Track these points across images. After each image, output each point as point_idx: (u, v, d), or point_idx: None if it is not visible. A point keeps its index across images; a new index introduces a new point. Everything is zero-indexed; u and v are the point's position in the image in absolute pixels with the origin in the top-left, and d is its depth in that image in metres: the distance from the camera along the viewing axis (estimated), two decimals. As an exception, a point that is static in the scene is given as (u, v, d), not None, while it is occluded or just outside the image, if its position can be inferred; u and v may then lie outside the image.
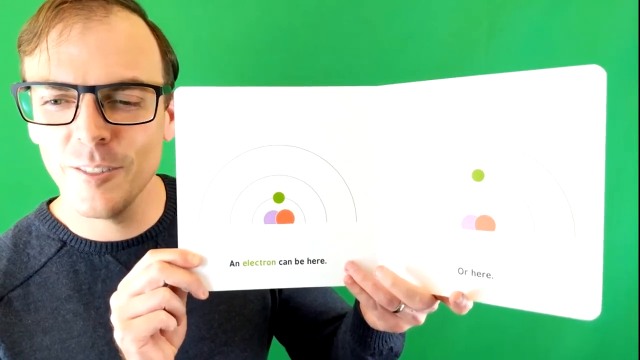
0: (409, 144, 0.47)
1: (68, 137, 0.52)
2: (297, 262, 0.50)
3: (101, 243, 0.60)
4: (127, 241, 0.61)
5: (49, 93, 0.52)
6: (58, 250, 0.60)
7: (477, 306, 0.91)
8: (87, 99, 0.50)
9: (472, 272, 0.47)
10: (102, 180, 0.53)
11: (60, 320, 0.58)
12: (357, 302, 0.57)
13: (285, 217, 0.50)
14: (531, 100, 0.43)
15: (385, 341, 0.58)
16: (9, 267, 0.59)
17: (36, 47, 0.51)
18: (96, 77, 0.51)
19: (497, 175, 0.44)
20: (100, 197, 0.53)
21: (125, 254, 0.61)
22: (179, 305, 0.47)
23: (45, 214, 0.62)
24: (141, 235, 0.62)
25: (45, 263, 0.60)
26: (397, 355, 0.62)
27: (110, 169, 0.53)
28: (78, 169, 0.53)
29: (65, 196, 0.56)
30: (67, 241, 0.60)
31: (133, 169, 0.55)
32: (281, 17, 1.03)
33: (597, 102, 0.42)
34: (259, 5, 1.02)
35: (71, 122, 0.51)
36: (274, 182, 0.49)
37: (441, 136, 0.45)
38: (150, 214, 0.63)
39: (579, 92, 0.42)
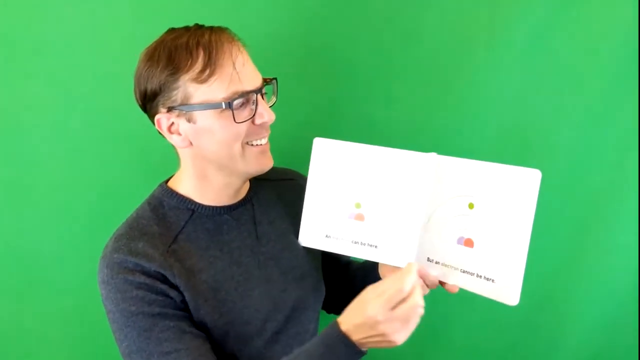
0: (438, 196, 0.79)
1: (248, 125, 0.77)
2: (361, 243, 0.83)
3: (219, 207, 0.84)
4: (235, 204, 0.86)
5: (242, 99, 0.75)
6: (190, 216, 0.82)
7: (477, 306, 0.92)
8: (260, 97, 0.77)
9: (463, 270, 0.78)
10: (268, 147, 0.82)
11: (207, 262, 0.80)
12: (375, 267, 0.90)
13: (359, 217, 0.83)
14: (494, 183, 0.75)
15: None
16: (160, 230, 0.80)
17: (219, 74, 0.73)
18: (258, 82, 0.78)
19: (480, 209, 0.76)
20: (269, 158, 0.82)
21: (236, 212, 0.85)
22: None
23: (170, 191, 0.83)
24: (242, 199, 0.87)
25: (184, 226, 0.81)
26: None
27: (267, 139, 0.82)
28: (257, 145, 0.79)
29: (243, 166, 0.80)
30: (195, 209, 0.82)
31: None
32: (281, 16, 1.03)
33: (531, 196, 0.72)
34: (258, 4, 1.02)
35: (254, 114, 0.77)
36: (357, 196, 0.83)
37: (452, 190, 0.79)
38: (245, 185, 0.88)
39: (518, 187, 0.73)
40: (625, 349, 1.19)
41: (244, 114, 0.76)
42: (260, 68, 0.79)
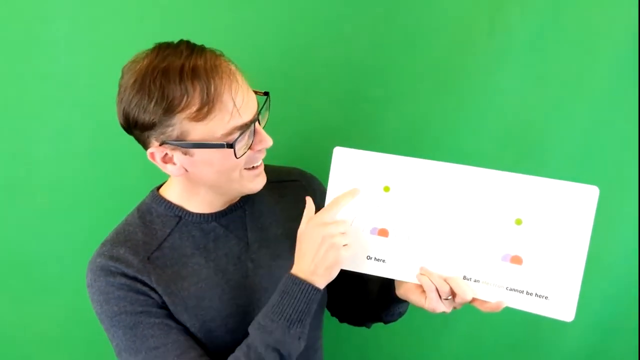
0: (478, 211, 0.75)
1: (247, 152, 0.75)
2: (377, 260, 0.78)
3: (207, 214, 0.82)
4: (224, 210, 0.84)
5: (242, 131, 0.72)
6: (177, 224, 0.81)
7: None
8: (257, 125, 0.75)
9: (509, 288, 0.75)
10: (262, 167, 0.80)
11: (190, 270, 0.79)
12: (391, 286, 0.83)
13: (383, 233, 0.78)
14: (546, 198, 0.73)
15: (400, 308, 0.89)
16: (145, 238, 0.79)
17: (219, 110, 0.70)
18: (255, 108, 0.74)
19: (530, 225, 0.73)
20: (264, 177, 0.81)
21: (224, 219, 0.83)
22: None
23: (159, 198, 0.82)
24: (233, 205, 0.84)
25: (170, 233, 0.80)
26: (401, 315, 0.92)
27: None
28: (253, 168, 0.78)
29: (239, 187, 0.78)
30: (182, 216, 0.81)
31: None
32: (281, 16, 1.03)
33: (588, 212, 0.72)
34: (257, 4, 1.02)
35: (253, 142, 0.75)
36: (381, 215, 0.78)
37: (496, 205, 0.75)
38: None
39: (574, 203, 0.72)
40: (625, 349, 1.19)
41: (243, 142, 0.73)
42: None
